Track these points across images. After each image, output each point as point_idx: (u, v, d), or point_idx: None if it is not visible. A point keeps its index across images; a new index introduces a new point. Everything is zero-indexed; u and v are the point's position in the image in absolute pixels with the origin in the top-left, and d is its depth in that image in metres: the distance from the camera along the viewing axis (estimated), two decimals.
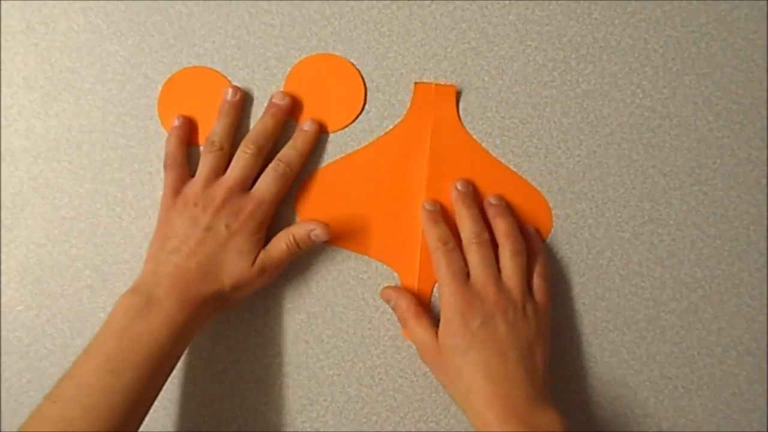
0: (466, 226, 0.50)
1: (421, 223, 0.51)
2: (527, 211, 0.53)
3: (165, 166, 0.51)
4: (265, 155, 0.51)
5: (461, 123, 0.53)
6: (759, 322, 0.53)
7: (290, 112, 0.52)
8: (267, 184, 0.50)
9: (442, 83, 0.53)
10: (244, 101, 0.53)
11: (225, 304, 0.49)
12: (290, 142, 0.51)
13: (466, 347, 0.46)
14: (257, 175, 0.50)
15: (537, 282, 0.50)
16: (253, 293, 0.50)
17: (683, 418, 0.53)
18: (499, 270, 0.49)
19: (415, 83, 0.53)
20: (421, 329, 0.48)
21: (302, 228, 0.49)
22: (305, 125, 0.52)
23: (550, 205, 0.53)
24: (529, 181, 0.53)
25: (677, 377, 0.53)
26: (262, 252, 0.49)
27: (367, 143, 0.53)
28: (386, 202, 0.52)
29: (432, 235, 0.50)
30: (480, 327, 0.46)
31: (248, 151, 0.50)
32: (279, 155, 0.51)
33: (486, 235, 0.50)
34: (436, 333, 0.48)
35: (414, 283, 0.52)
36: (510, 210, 0.52)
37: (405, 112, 0.53)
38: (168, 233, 0.48)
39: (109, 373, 0.42)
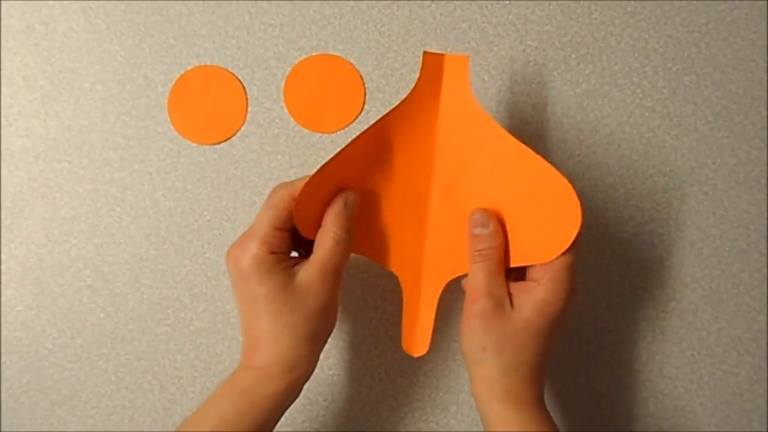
0: None
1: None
2: (551, 201, 0.42)
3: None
4: None
5: (475, 98, 0.44)
6: (759, 322, 0.53)
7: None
8: None
9: (454, 54, 0.47)
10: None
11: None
12: None
13: (548, 330, 0.42)
14: None
15: None
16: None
17: (683, 418, 0.53)
18: None
19: (424, 52, 0.44)
20: (500, 285, 0.43)
21: (336, 203, 0.43)
22: None
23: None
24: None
25: (677, 377, 0.53)
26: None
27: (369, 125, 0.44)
28: (391, 196, 0.46)
29: None
30: (566, 314, 0.43)
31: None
32: None
33: None
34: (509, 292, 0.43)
35: (418, 288, 0.46)
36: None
37: (410, 89, 0.44)
38: None
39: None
